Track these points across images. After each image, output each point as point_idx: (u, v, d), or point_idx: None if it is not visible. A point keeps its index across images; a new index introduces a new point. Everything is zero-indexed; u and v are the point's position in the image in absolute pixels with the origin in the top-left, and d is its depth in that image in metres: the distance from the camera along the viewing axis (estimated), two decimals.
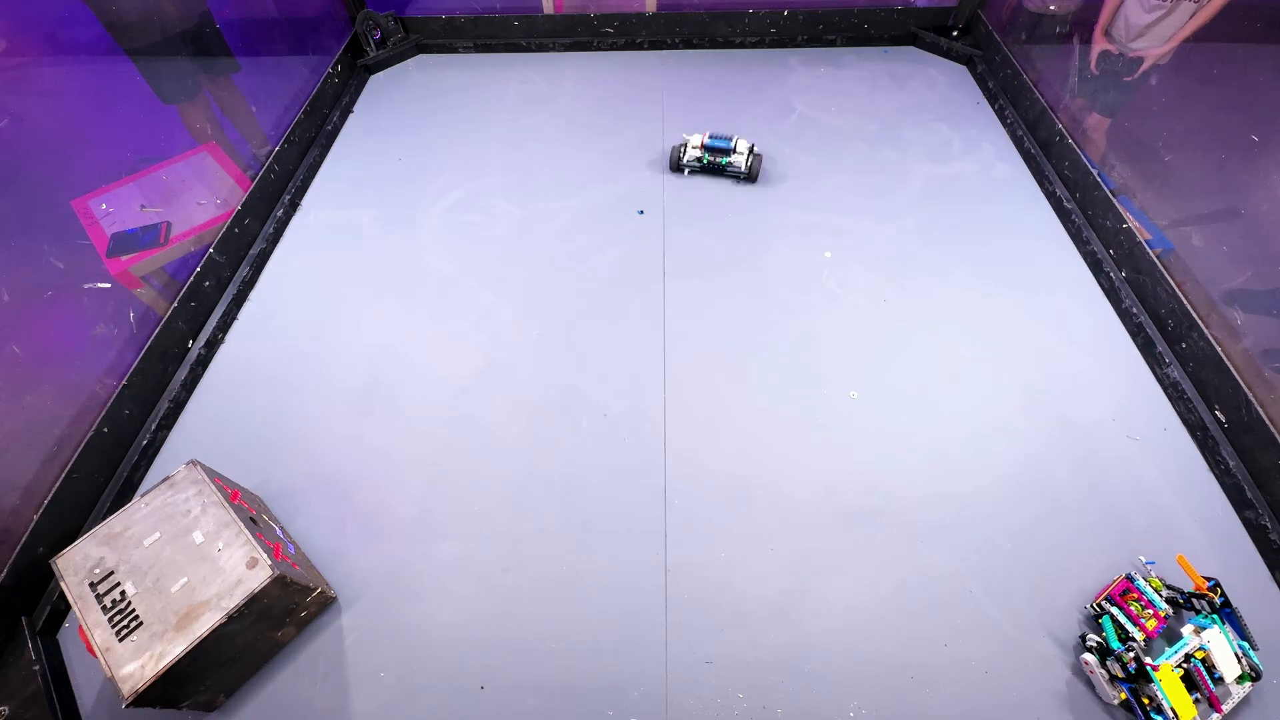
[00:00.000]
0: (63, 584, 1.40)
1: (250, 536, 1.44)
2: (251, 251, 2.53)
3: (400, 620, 1.64)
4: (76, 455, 1.79)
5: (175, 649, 1.30)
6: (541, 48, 3.65)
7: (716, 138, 2.79)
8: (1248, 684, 1.46)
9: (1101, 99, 2.72)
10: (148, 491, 1.53)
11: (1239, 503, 1.80)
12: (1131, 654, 1.42)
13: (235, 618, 1.35)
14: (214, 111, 2.63)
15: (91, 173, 2.16)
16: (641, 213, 2.57)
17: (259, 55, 2.99)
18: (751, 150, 2.77)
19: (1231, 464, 1.83)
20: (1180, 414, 2.01)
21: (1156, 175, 2.44)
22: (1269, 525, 1.71)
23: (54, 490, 1.71)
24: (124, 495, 1.87)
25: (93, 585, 1.39)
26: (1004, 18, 3.37)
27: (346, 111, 3.28)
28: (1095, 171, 2.53)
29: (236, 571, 1.39)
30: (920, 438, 1.96)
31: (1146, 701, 1.41)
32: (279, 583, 1.40)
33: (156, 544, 1.44)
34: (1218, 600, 1.53)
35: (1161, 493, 1.84)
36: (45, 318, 1.88)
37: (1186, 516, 1.79)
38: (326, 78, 3.19)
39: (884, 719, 1.49)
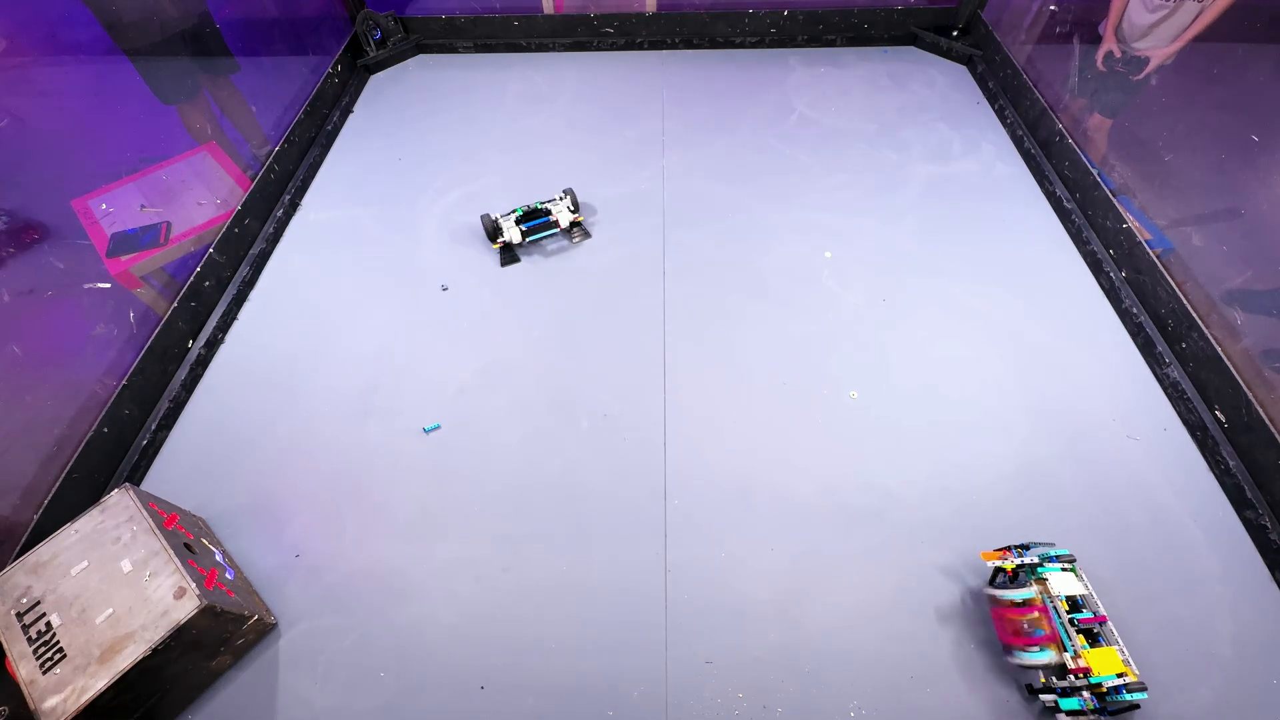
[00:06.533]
0: None
1: (180, 565, 1.41)
2: (251, 251, 2.54)
3: (400, 620, 1.65)
4: (76, 455, 1.79)
5: (98, 683, 1.27)
6: (541, 48, 3.65)
7: (532, 213, 2.53)
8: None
9: (1103, 99, 2.72)
10: (78, 517, 1.50)
11: (1239, 503, 1.80)
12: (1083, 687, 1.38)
13: (161, 650, 1.32)
14: (214, 111, 2.64)
15: (91, 173, 2.16)
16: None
17: (259, 55, 2.99)
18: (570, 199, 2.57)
19: (1231, 464, 1.83)
20: (1180, 414, 2.01)
21: (1156, 175, 2.44)
22: (1269, 525, 1.71)
23: (54, 490, 1.72)
24: None
25: (19, 615, 1.36)
26: (1004, 18, 3.37)
27: (346, 111, 3.28)
28: (1095, 171, 2.53)
29: (164, 602, 1.36)
30: (920, 438, 1.96)
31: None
32: (208, 613, 1.37)
33: (84, 573, 1.41)
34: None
35: (1161, 493, 1.84)
36: (45, 318, 1.88)
37: (1186, 516, 1.79)
38: (326, 78, 3.19)
39: (884, 719, 1.49)
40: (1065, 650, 1.40)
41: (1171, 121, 2.48)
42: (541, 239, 2.58)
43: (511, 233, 2.47)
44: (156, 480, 1.94)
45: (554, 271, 2.47)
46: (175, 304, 2.18)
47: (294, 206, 2.78)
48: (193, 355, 2.19)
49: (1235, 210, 2.15)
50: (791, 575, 1.70)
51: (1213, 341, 1.96)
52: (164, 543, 1.45)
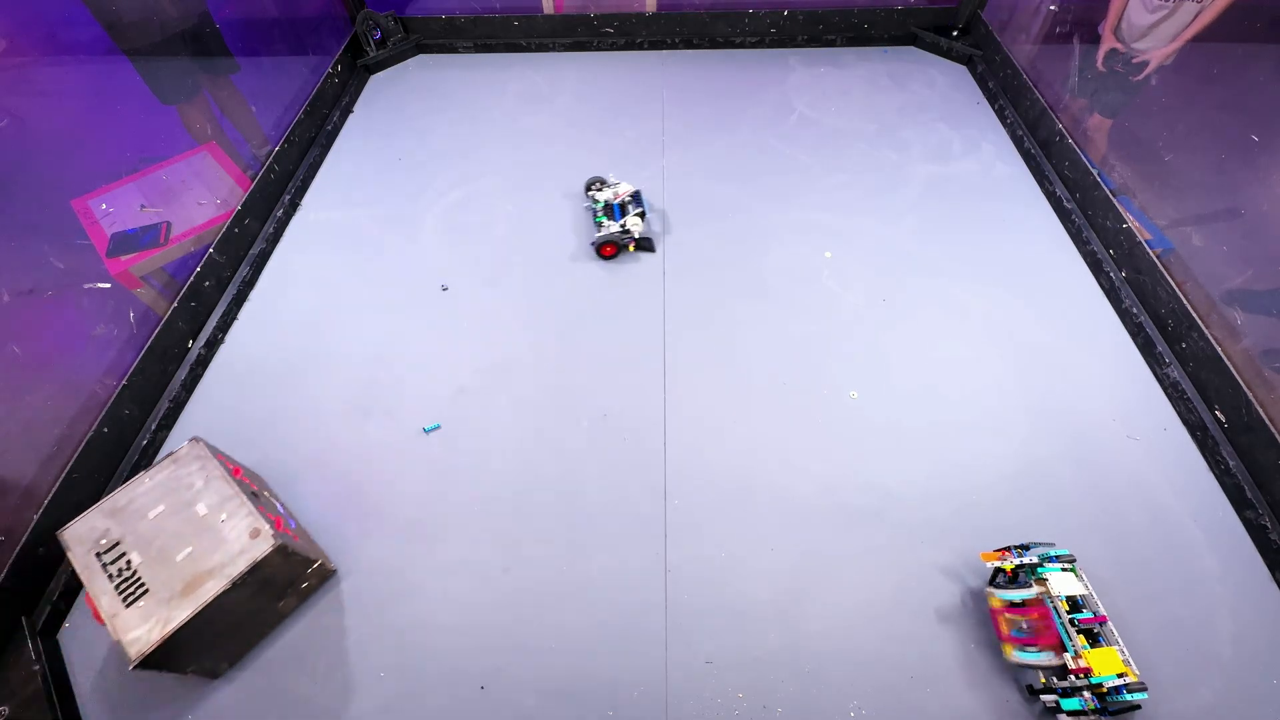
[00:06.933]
0: (69, 554, 1.44)
1: (253, 509, 1.49)
2: (251, 251, 2.53)
3: (400, 620, 1.64)
4: (76, 455, 1.79)
5: (181, 614, 1.34)
6: (541, 48, 3.65)
7: (608, 208, 2.55)
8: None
9: (1103, 99, 2.72)
10: (151, 467, 1.57)
11: (1239, 503, 1.80)
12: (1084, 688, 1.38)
13: (239, 585, 1.39)
14: (213, 111, 2.64)
15: (91, 173, 2.16)
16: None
17: (258, 55, 2.99)
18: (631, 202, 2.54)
19: (1231, 464, 1.83)
20: (1180, 414, 2.01)
21: (1156, 175, 2.44)
22: (1269, 525, 1.71)
23: (54, 490, 1.71)
24: None
25: (99, 555, 1.43)
26: (1004, 18, 3.37)
27: (346, 111, 3.28)
28: (1095, 171, 2.53)
29: (240, 541, 1.43)
30: (920, 438, 1.96)
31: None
32: (280, 552, 1.45)
33: (161, 516, 1.48)
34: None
35: (1161, 493, 1.84)
36: (45, 318, 1.89)
37: (1186, 516, 1.79)
38: (326, 78, 3.19)
39: (884, 719, 1.49)
40: (1066, 650, 1.40)
41: (1171, 121, 2.48)
42: (645, 206, 2.54)
43: (634, 225, 2.45)
44: None
45: (554, 271, 2.47)
46: (175, 304, 2.18)
47: (294, 206, 2.77)
48: (193, 355, 2.19)
49: (1235, 210, 2.15)
50: (792, 575, 1.70)
51: (1213, 341, 1.95)
52: (235, 489, 1.52)
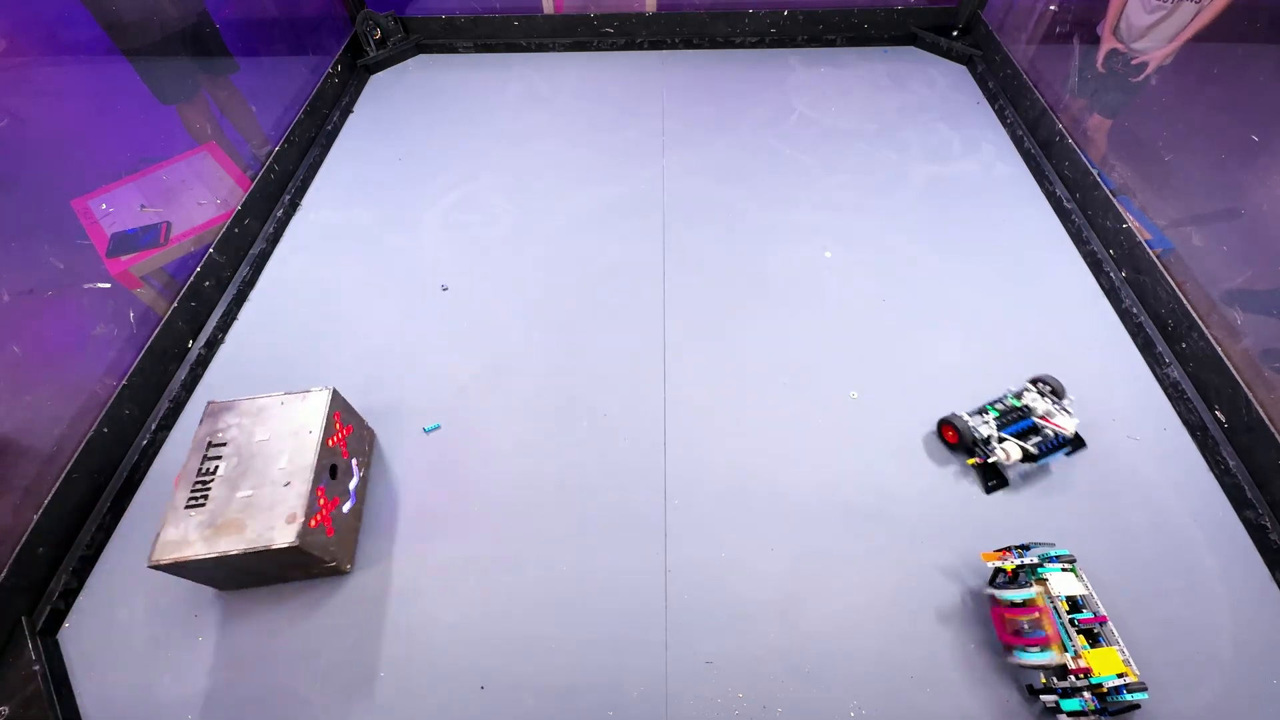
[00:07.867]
0: (200, 425, 1.59)
1: (310, 490, 1.53)
2: (251, 251, 2.53)
3: (400, 620, 1.65)
4: (76, 455, 1.78)
5: (201, 550, 1.44)
6: (541, 48, 3.65)
7: (1010, 413, 1.85)
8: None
9: (1103, 100, 2.72)
10: (291, 393, 1.68)
11: (1239, 503, 1.80)
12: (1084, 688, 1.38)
13: (252, 554, 1.46)
14: (213, 111, 2.64)
15: (91, 173, 2.17)
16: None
17: (258, 55, 3.00)
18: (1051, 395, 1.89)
19: (1231, 464, 1.83)
20: (1180, 414, 2.01)
21: (1156, 175, 2.44)
22: (1269, 525, 1.71)
23: (54, 490, 1.71)
24: (124, 495, 1.87)
25: (211, 443, 1.56)
26: (1004, 18, 3.37)
27: (346, 111, 3.28)
28: (1095, 171, 2.53)
29: (277, 516, 1.50)
30: (920, 437, 1.96)
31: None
32: (295, 550, 1.50)
33: (264, 443, 1.58)
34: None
35: (1161, 493, 1.84)
36: (45, 318, 1.89)
37: (1186, 516, 1.79)
38: (326, 78, 3.19)
39: (884, 719, 1.49)
40: (1066, 650, 1.40)
41: (1171, 121, 2.48)
42: (1048, 460, 1.81)
43: (1008, 451, 1.74)
44: (157, 479, 1.93)
45: (554, 271, 2.47)
46: (175, 304, 2.18)
47: (294, 206, 2.77)
48: (193, 355, 2.19)
49: (1235, 210, 2.15)
50: (791, 575, 1.70)
51: (1213, 341, 1.96)
52: (316, 459, 1.58)
